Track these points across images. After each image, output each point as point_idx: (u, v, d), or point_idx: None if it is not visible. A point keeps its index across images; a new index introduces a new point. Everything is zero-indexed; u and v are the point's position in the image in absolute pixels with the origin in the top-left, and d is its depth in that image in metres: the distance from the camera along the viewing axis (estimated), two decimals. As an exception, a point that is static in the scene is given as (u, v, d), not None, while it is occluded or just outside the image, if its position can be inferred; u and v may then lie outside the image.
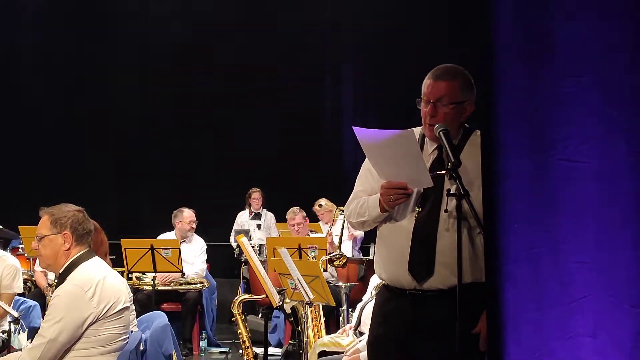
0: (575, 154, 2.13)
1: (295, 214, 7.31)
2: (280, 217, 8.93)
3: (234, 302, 3.91)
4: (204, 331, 7.30)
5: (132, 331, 3.67)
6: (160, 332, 3.80)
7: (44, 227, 3.42)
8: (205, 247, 7.48)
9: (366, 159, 2.93)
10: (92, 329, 3.31)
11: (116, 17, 10.62)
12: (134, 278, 6.90)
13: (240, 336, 3.90)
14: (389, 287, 2.93)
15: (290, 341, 6.32)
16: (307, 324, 4.88)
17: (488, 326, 2.26)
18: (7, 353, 4.09)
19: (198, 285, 7.13)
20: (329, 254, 6.16)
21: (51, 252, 3.41)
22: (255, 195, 9.28)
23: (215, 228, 9.07)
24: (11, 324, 4.33)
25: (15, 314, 4.31)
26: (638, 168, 2.08)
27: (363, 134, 2.73)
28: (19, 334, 4.33)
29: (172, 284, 7.07)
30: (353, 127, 2.72)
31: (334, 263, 5.61)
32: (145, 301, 6.73)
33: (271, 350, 6.82)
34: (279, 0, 10.49)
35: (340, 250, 6.14)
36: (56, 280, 3.53)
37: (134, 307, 4.15)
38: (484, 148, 2.26)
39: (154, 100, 10.66)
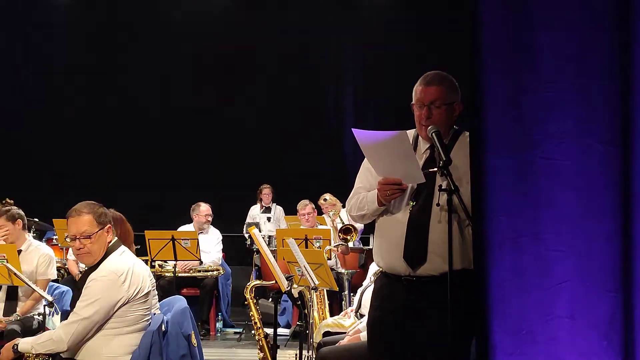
0: (555, 153, 2.13)
1: (306, 205, 7.33)
2: (288, 211, 8.94)
3: (247, 287, 3.90)
4: (220, 313, 7.31)
5: (154, 313, 3.66)
6: (180, 315, 3.78)
7: (89, 225, 3.33)
8: (220, 237, 7.49)
9: (365, 158, 2.93)
10: (122, 311, 3.32)
11: (136, 31, 10.61)
12: (156, 266, 6.91)
13: (252, 318, 3.88)
14: (386, 274, 2.92)
15: (297, 322, 6.32)
16: (312, 307, 4.87)
17: (476, 309, 2.25)
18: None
19: (214, 272, 7.13)
20: (342, 227, 6.15)
21: (99, 246, 3.36)
22: (266, 191, 9.30)
23: (229, 221, 9.07)
24: (46, 307, 4.32)
25: (50, 298, 4.31)
26: (611, 165, 2.08)
27: (361, 136, 2.72)
28: (52, 316, 4.33)
29: (191, 271, 7.07)
30: (352, 130, 2.72)
31: (349, 235, 5.59)
32: (167, 286, 6.72)
33: (280, 330, 6.82)
34: (285, 8, 10.45)
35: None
36: (86, 268, 3.53)
37: (156, 292, 4.15)
38: (472, 147, 2.25)
39: (173, 106, 10.66)
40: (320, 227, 7.31)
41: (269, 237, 8.08)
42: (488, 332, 2.16)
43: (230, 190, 9.89)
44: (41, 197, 9.40)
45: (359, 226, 7.27)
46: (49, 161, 10.42)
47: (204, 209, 7.41)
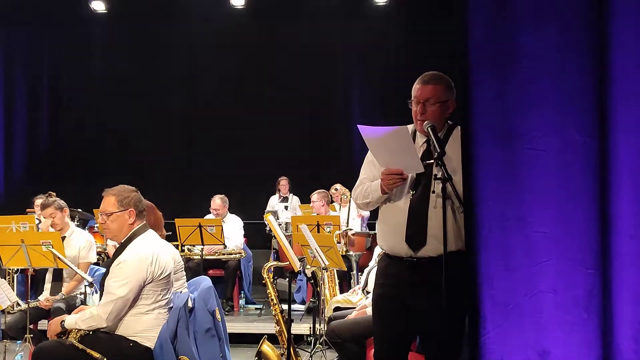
0: (538, 144, 2.11)
1: (320, 193, 7.30)
2: (304, 200, 8.93)
3: (264, 267, 3.89)
4: (242, 291, 7.32)
5: (181, 292, 3.68)
6: (206, 293, 3.80)
7: (111, 206, 3.39)
8: (242, 224, 7.49)
9: (369, 151, 2.92)
10: (151, 289, 3.33)
11: (164, 40, 10.61)
12: (185, 250, 6.94)
13: (269, 295, 3.88)
14: (389, 255, 2.90)
15: (311, 299, 6.32)
16: (324, 285, 4.87)
17: (468, 285, 2.23)
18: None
19: (237, 255, 7.15)
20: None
21: (118, 226, 3.39)
22: (283, 183, 9.31)
23: (252, 209, 9.10)
24: (86, 287, 4.35)
25: (90, 279, 4.34)
26: (588, 154, 2.06)
27: (366, 131, 2.71)
28: (93, 295, 4.36)
29: (216, 254, 7.09)
30: (358, 126, 2.71)
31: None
32: (195, 268, 6.77)
33: (296, 306, 6.85)
34: (301, 22, 10.42)
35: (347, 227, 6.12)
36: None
37: (184, 273, 4.16)
38: (463, 139, 2.24)
39: (199, 108, 10.68)
40: (331, 213, 7.31)
41: (286, 223, 8.09)
42: (479, 306, 2.16)
43: (253, 182, 9.92)
44: (84, 191, 9.47)
45: (365, 214, 7.26)
46: (91, 158, 10.49)
47: (212, 203, 7.43)
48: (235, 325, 6.19)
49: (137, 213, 3.42)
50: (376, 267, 3.88)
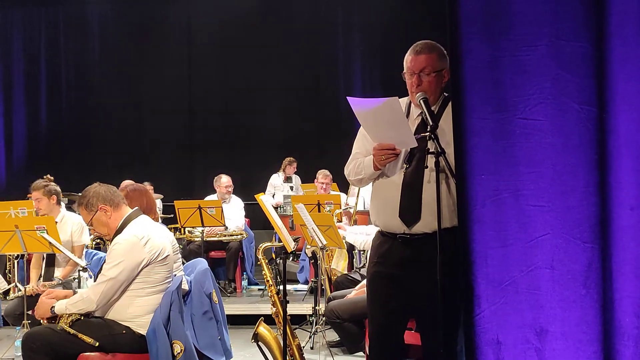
0: (533, 113, 2.00)
1: (327, 175, 7.22)
2: (305, 179, 8.87)
3: (258, 249, 3.81)
4: (245, 273, 7.32)
5: (175, 274, 3.62)
6: (202, 275, 3.75)
7: (85, 215, 3.43)
8: (243, 205, 7.47)
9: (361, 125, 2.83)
10: (144, 272, 3.29)
11: (162, 17, 10.53)
12: (186, 232, 6.91)
13: (265, 276, 3.81)
14: (383, 232, 2.83)
15: (312, 279, 6.29)
16: (322, 264, 4.81)
17: (461, 262, 2.15)
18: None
19: (238, 236, 7.12)
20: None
21: (103, 226, 3.40)
22: (294, 165, 9.20)
23: (254, 189, 9.03)
24: (80, 272, 4.31)
25: (83, 264, 4.29)
26: (586, 123, 1.96)
27: (356, 103, 2.62)
28: (87, 280, 4.31)
29: (217, 236, 7.06)
30: (347, 98, 2.62)
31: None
32: (196, 250, 6.76)
33: (299, 286, 6.86)
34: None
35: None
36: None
37: (179, 256, 4.11)
38: (454, 110, 2.13)
39: (199, 87, 10.60)
40: (332, 192, 7.25)
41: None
42: (473, 283, 2.07)
43: (254, 162, 9.87)
44: (85, 173, 9.44)
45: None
46: (92, 139, 10.45)
47: (224, 181, 7.39)
48: (238, 306, 6.18)
49: (112, 204, 3.37)
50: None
